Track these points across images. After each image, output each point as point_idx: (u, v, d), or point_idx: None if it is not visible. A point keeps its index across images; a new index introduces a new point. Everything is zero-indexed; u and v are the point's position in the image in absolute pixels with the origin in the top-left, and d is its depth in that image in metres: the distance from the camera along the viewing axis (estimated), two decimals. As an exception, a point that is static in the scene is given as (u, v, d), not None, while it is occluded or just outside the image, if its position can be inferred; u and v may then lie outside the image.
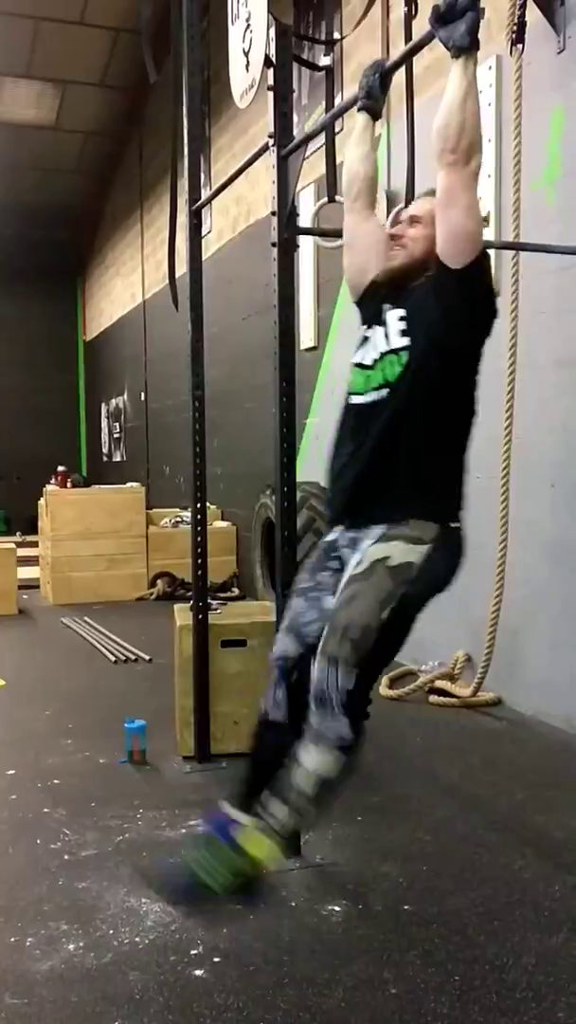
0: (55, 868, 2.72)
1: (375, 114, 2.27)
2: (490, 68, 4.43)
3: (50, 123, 12.02)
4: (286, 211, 2.74)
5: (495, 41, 4.28)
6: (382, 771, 3.43)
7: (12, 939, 2.32)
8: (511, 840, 2.92)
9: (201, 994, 2.07)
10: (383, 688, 4.61)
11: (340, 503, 2.11)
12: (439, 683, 4.55)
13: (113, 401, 13.95)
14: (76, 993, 2.08)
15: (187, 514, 7.98)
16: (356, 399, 2.11)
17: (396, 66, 2.20)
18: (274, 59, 2.71)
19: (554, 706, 4.13)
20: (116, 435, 13.91)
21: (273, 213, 2.75)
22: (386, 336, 2.07)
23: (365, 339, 2.16)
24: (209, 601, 3.94)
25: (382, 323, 2.11)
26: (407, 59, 2.14)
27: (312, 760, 1.80)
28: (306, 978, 2.13)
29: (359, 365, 2.14)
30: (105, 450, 14.63)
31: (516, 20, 3.93)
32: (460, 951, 2.25)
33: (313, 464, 7.10)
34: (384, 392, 2.03)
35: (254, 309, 7.01)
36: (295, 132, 2.82)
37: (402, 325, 2.04)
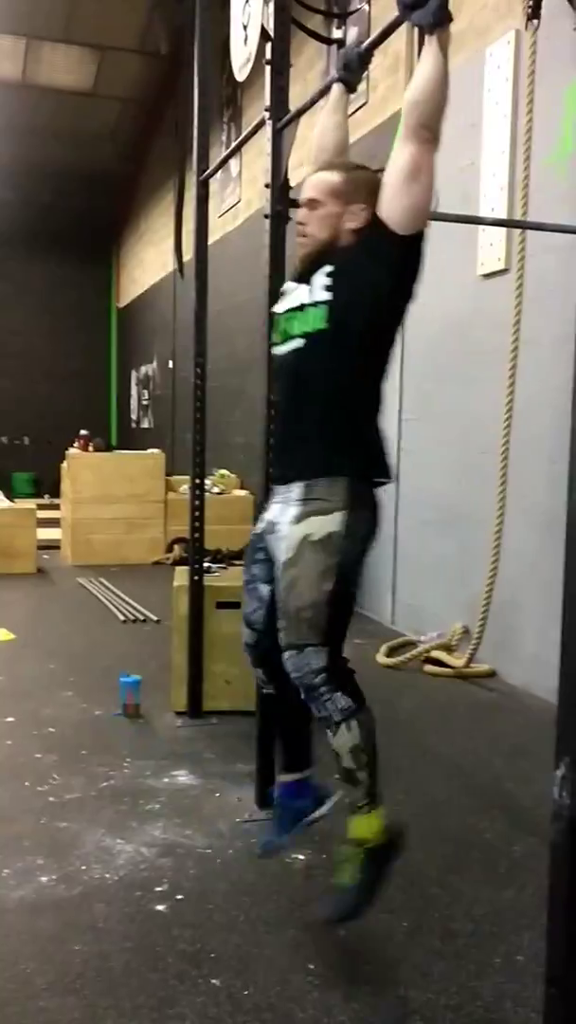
0: (39, 808, 2.86)
1: (351, 87, 2.32)
2: (508, 43, 4.42)
3: (88, 89, 12.06)
4: (279, 183, 2.81)
5: (513, 16, 4.28)
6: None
7: (-10, 870, 2.47)
8: (481, 804, 3.01)
9: (160, 927, 2.20)
10: (381, 656, 4.71)
11: (274, 460, 2.24)
12: (435, 653, 4.63)
13: (143, 368, 14.06)
14: (43, 920, 2.22)
15: (206, 481, 8.09)
16: (275, 349, 2.16)
17: (374, 45, 2.25)
18: (272, 32, 2.76)
19: (544, 679, 4.19)
20: (144, 402, 14.03)
21: (267, 185, 2.82)
22: (309, 291, 2.04)
23: (283, 293, 2.18)
24: (208, 564, 4.06)
25: (307, 282, 2.09)
26: (382, 40, 2.19)
27: (338, 741, 1.95)
28: (260, 918, 2.25)
29: (278, 315, 2.15)
30: (134, 417, 14.77)
31: (532, -4, 3.92)
32: (412, 900, 2.35)
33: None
34: (300, 342, 2.04)
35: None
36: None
37: (327, 281, 2.00)
